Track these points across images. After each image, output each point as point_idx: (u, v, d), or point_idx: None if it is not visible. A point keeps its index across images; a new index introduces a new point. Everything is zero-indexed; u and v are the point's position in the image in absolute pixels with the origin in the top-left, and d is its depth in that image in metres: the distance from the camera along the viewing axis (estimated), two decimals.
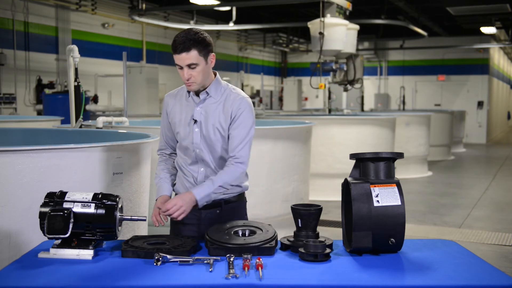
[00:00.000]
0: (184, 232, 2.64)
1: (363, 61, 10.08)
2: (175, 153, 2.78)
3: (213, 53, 2.55)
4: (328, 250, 2.22)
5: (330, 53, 9.34)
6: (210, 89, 2.60)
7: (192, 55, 2.45)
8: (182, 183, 2.69)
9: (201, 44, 2.46)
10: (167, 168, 2.76)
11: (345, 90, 10.39)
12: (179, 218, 2.47)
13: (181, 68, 2.49)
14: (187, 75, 2.48)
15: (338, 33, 9.00)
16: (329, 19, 8.95)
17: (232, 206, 2.70)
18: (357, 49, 19.77)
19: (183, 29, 2.59)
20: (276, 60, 22.12)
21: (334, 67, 9.71)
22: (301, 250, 2.22)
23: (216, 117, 2.58)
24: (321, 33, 8.72)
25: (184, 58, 2.45)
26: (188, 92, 2.63)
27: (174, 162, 2.78)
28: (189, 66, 2.47)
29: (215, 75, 2.65)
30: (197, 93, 2.61)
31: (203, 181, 2.61)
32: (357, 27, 9.74)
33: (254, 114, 2.66)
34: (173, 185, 2.74)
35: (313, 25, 9.14)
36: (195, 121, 2.60)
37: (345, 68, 9.91)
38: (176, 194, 2.74)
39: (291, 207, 2.40)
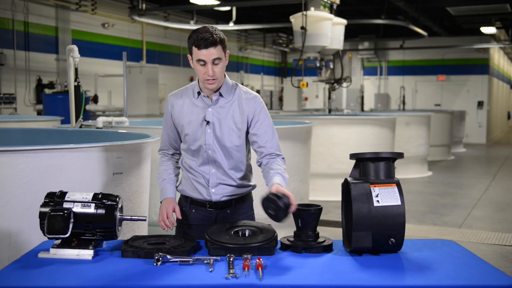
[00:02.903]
0: (197, 234, 2.61)
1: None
2: (178, 153, 2.78)
3: (228, 51, 2.56)
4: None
5: (314, 50, 8.74)
6: (223, 90, 2.59)
7: (218, 51, 2.46)
8: (191, 184, 2.67)
9: (224, 40, 2.49)
10: (170, 169, 2.74)
11: (333, 89, 9.86)
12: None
13: (204, 64, 2.47)
14: (211, 71, 2.46)
15: (322, 28, 8.40)
16: (312, 12, 8.32)
17: (241, 206, 2.71)
18: (357, 49, 19.89)
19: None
20: (276, 60, 22.12)
21: (318, 65, 9.07)
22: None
23: (231, 118, 2.58)
24: (303, 28, 8.15)
25: (212, 52, 2.44)
26: (198, 93, 2.61)
27: (176, 161, 2.78)
28: (213, 61, 2.46)
29: (224, 75, 2.64)
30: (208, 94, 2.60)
31: (216, 182, 2.61)
32: (344, 21, 9.11)
33: None
34: (176, 186, 2.74)
35: (296, 19, 8.52)
36: (207, 122, 2.58)
37: (331, 66, 9.34)
38: (181, 195, 2.74)
39: None
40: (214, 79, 2.49)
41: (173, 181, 2.71)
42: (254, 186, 2.76)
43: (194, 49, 2.46)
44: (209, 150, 2.59)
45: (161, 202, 2.65)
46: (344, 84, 9.62)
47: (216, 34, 2.45)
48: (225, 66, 2.55)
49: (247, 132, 2.63)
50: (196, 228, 2.66)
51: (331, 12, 8.92)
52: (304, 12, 8.21)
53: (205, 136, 2.58)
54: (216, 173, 2.62)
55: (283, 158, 2.63)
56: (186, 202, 2.70)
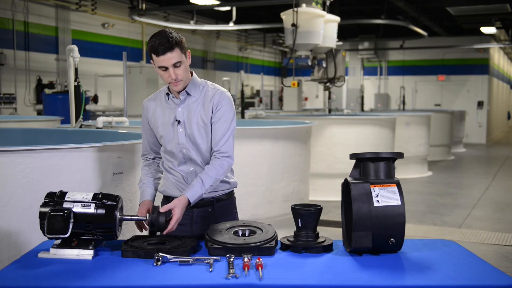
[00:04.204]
0: (176, 233, 2.61)
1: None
2: (159, 157, 2.81)
3: (188, 50, 2.58)
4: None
5: (305, 48, 8.39)
6: (189, 89, 2.63)
7: (176, 54, 2.49)
8: (172, 184, 2.70)
9: (180, 42, 2.51)
10: (150, 173, 2.78)
11: (326, 88, 9.60)
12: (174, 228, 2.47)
13: (165, 69, 2.51)
14: (174, 74, 2.51)
15: (314, 25, 8.11)
16: (304, 9, 8.00)
17: (222, 204, 2.73)
18: (357, 49, 19.89)
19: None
20: (276, 60, 22.11)
21: (310, 63, 8.65)
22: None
23: (198, 114, 2.61)
24: (294, 25, 7.83)
25: (170, 57, 2.48)
26: (167, 95, 2.66)
27: (158, 165, 2.81)
28: (174, 65, 2.50)
29: (191, 74, 2.67)
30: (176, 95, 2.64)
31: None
32: (337, 19, 8.83)
33: (234, 107, 2.68)
34: (156, 189, 2.76)
35: (287, 16, 8.19)
36: (178, 122, 2.62)
37: (324, 65, 9.03)
38: (163, 196, 2.76)
39: (291, 207, 2.40)
40: (178, 81, 2.54)
41: (152, 184, 2.74)
42: (234, 184, 2.76)
43: (154, 56, 2.50)
44: (184, 149, 2.63)
45: (139, 204, 2.67)
46: (338, 84, 9.41)
47: (171, 38, 2.47)
48: (188, 66, 2.58)
49: None
50: (180, 228, 2.62)
51: (324, 9, 8.70)
52: (295, 9, 7.91)
53: (178, 136, 2.62)
54: (195, 171, 2.65)
55: (227, 157, 2.59)
56: (167, 202, 2.70)
